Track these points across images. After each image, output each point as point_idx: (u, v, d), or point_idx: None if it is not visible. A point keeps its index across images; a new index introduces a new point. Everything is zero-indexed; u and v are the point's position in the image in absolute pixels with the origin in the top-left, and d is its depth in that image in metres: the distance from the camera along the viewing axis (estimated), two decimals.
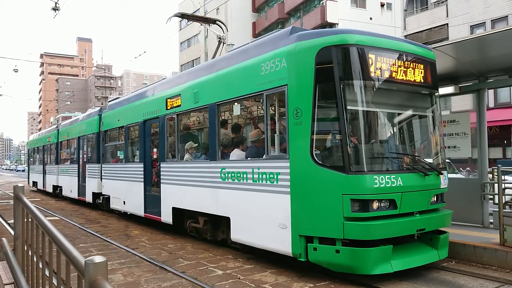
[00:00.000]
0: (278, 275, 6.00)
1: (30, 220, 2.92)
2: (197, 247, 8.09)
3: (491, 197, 7.91)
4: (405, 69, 5.92)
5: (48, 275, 2.55)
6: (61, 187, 18.74)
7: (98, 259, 1.50)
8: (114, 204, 12.39)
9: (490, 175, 8.26)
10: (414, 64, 6.04)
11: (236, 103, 7.33)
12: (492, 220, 7.89)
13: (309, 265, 5.85)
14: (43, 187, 22.30)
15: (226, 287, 5.52)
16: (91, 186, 14.41)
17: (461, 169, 14.95)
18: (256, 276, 5.97)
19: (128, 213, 11.72)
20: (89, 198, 14.69)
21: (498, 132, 20.44)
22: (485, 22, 22.98)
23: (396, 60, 5.85)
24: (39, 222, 2.42)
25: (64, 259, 2.04)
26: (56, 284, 2.25)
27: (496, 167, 6.93)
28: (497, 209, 6.71)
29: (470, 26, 23.69)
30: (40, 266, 2.68)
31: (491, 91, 20.48)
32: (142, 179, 10.42)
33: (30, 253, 3.00)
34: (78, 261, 1.66)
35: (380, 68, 5.67)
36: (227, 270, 6.33)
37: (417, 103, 6.57)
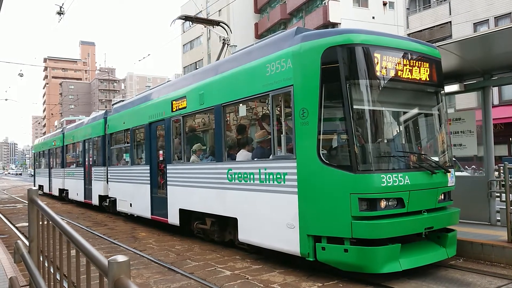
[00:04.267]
0: (286, 275, 6.02)
1: (46, 222, 2.96)
2: (204, 248, 8.12)
3: (498, 194, 7.91)
4: (411, 68, 5.92)
5: (66, 276, 2.59)
6: (67, 190, 18.84)
7: (121, 258, 1.52)
8: (121, 207, 12.45)
9: (496, 173, 8.25)
10: (420, 62, 6.04)
11: (241, 104, 7.36)
12: (499, 218, 7.89)
13: (317, 264, 5.86)
14: (49, 191, 22.42)
15: (235, 287, 5.55)
16: (97, 189, 14.49)
17: (466, 167, 14.91)
18: (265, 276, 5.99)
19: (135, 216, 11.77)
20: (95, 201, 14.76)
21: (503, 129, 20.34)
22: (488, 19, 22.91)
23: (402, 59, 5.85)
24: (56, 224, 2.46)
25: (82, 260, 2.08)
26: (75, 284, 2.29)
27: (502, 165, 6.93)
28: (504, 207, 6.71)
29: (473, 23, 23.62)
30: (57, 267, 2.72)
31: (495, 88, 20.39)
32: (149, 181, 10.46)
33: (46, 255, 3.04)
34: (100, 261, 1.70)
35: (386, 67, 5.67)
36: (235, 270, 6.36)
37: (423, 102, 6.57)
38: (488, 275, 5.75)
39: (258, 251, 7.16)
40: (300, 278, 5.84)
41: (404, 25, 28.85)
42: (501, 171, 7.57)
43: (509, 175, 6.53)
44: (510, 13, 22.06)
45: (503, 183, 6.81)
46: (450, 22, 25.21)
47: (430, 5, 27.90)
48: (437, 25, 26.18)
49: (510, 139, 21.70)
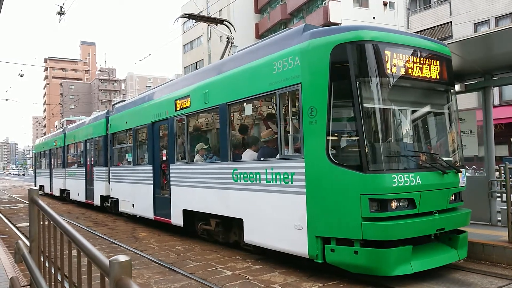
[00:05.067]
0: (287, 275, 5.97)
1: (46, 222, 2.96)
2: (205, 248, 8.08)
3: (499, 194, 7.89)
4: (421, 66, 5.78)
5: (67, 276, 2.59)
6: (68, 190, 18.77)
7: (123, 258, 1.46)
8: (123, 207, 12.34)
9: (497, 173, 8.23)
10: (430, 60, 5.90)
11: (247, 103, 7.24)
12: (500, 218, 7.87)
13: (318, 265, 5.78)
14: (50, 191, 22.36)
15: (236, 287, 5.53)
16: (99, 189, 14.40)
17: (467, 167, 14.89)
18: (265, 277, 5.95)
19: (137, 216, 11.73)
20: (97, 201, 14.66)
21: (503, 129, 20.27)
22: (488, 19, 22.88)
23: (412, 57, 5.72)
24: (57, 224, 2.45)
25: (83, 260, 2.07)
26: (76, 285, 2.28)
27: (503, 165, 6.91)
28: (505, 207, 6.69)
29: (474, 24, 23.59)
30: (58, 267, 2.72)
31: (496, 88, 20.32)
32: (151, 182, 10.36)
33: (47, 255, 3.03)
34: (102, 261, 1.68)
35: (396, 65, 5.53)
36: (236, 270, 6.32)
37: (434, 100, 6.43)
38: (489, 276, 5.71)
39: (262, 252, 7.06)
40: (300, 278, 5.79)
41: (405, 25, 28.79)
42: (502, 172, 7.56)
43: (510, 175, 6.52)
44: (511, 13, 22.03)
45: (504, 183, 6.79)
46: (451, 22, 25.17)
47: (430, 5, 27.87)
48: (437, 25, 26.13)
49: (511, 139, 21.65)
